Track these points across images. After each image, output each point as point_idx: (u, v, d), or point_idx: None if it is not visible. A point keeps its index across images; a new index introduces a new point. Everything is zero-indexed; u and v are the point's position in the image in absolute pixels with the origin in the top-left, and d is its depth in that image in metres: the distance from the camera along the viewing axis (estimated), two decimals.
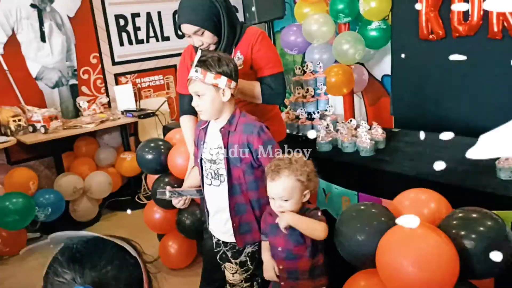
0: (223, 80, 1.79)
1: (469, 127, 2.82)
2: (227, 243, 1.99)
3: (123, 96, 4.29)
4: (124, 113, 4.06)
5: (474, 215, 1.52)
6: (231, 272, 2.01)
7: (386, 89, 4.27)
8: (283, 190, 1.70)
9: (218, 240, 2.03)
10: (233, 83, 1.83)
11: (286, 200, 1.71)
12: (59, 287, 0.78)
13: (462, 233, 1.47)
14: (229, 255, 2.00)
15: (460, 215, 1.54)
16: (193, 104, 1.89)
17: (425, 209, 1.64)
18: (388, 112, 3.71)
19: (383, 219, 1.62)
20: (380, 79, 4.31)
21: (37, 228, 3.74)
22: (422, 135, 2.45)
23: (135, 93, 4.43)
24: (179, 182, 2.83)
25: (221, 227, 1.98)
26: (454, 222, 1.52)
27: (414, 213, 1.64)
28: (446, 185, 1.86)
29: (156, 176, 2.92)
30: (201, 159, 1.98)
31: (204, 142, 1.96)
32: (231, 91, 1.83)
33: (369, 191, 2.10)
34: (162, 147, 2.87)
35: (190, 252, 3.07)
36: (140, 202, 4.18)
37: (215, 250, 2.07)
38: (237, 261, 1.98)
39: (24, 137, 3.61)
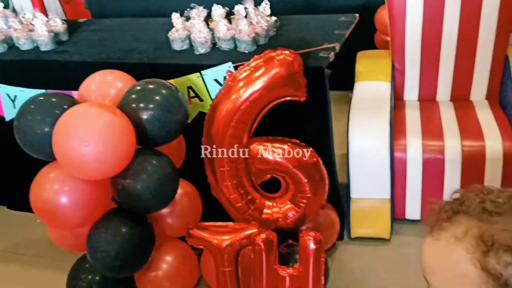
0: None
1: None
2: None
3: None
4: None
5: (150, 86, 1.58)
6: None
7: None
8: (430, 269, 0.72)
9: None
10: None
11: None
12: None
13: (141, 105, 1.52)
14: None
15: (138, 88, 1.57)
16: None
17: (112, 90, 1.63)
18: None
19: (65, 106, 1.53)
20: None
21: None
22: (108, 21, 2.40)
23: None
24: None
25: None
26: (133, 96, 1.55)
27: (102, 96, 1.64)
28: (131, 64, 1.89)
29: None
30: None
31: None
32: None
33: (58, 86, 1.96)
34: None
35: None
36: None
37: None
38: None
39: None
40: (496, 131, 1.90)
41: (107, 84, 1.66)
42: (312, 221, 1.79)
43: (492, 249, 0.60)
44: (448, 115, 2.06)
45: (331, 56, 1.70)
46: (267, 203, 1.72)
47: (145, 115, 1.51)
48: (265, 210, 1.71)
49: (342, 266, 1.92)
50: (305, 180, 1.65)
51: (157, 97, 1.55)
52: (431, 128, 2.00)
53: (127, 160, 1.46)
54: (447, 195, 1.95)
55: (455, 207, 0.69)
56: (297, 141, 1.67)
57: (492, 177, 1.85)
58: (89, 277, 1.70)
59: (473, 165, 1.86)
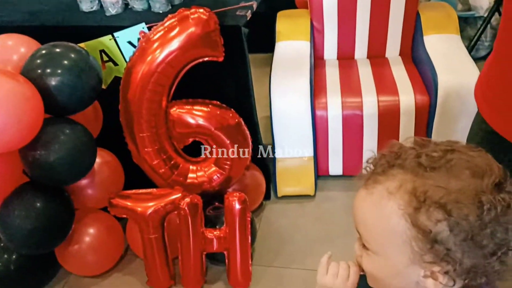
0: None
1: None
2: None
3: None
4: None
5: (57, 50, 1.47)
6: None
7: None
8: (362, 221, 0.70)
9: None
10: None
11: (365, 248, 0.70)
12: None
13: (47, 70, 1.42)
14: None
15: (43, 52, 1.46)
16: None
17: (15, 55, 1.51)
18: None
19: None
20: None
21: None
22: None
23: None
24: None
25: None
26: (38, 61, 1.44)
27: (2, 62, 1.50)
28: (35, 27, 1.75)
29: None
30: None
31: None
32: None
33: None
34: None
35: None
36: None
37: None
38: None
39: None
40: (409, 86, 1.98)
41: (8, 49, 1.53)
42: (238, 182, 1.79)
43: (424, 205, 0.59)
44: (365, 72, 2.12)
45: (248, 14, 1.67)
46: (191, 167, 1.69)
47: (52, 82, 1.41)
48: (190, 175, 1.69)
49: (270, 224, 1.95)
50: (228, 142, 1.64)
51: (65, 62, 1.45)
52: (350, 86, 2.05)
53: (34, 130, 1.36)
54: (366, 149, 2.03)
55: (391, 161, 0.65)
56: (218, 102, 1.64)
57: (406, 129, 1.94)
58: (5, 256, 1.60)
59: (389, 119, 1.94)
